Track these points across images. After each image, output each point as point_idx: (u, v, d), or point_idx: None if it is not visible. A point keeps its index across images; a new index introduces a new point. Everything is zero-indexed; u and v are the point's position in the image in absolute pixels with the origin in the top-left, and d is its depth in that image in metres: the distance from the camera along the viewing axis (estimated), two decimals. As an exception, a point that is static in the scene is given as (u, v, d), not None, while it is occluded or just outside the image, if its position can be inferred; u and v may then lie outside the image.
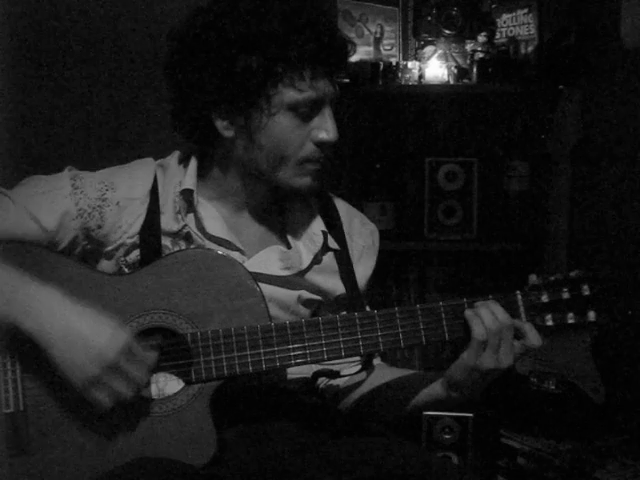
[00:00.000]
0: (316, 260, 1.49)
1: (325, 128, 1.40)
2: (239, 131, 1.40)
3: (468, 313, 1.32)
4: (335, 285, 1.51)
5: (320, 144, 1.40)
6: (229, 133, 1.41)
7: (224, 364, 1.31)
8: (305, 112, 1.38)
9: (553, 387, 2.27)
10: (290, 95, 1.36)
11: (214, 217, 1.46)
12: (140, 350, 1.27)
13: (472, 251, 2.73)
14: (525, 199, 2.66)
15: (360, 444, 1.38)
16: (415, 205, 2.76)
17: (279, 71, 1.34)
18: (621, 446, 2.23)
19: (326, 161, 1.43)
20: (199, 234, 1.44)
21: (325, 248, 1.51)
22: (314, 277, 1.49)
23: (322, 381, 1.55)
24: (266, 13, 1.35)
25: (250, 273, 1.35)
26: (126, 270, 1.42)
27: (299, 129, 1.39)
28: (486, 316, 1.29)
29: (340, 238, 1.52)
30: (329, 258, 1.51)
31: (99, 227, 1.42)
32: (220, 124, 1.40)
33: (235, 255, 1.43)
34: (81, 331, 1.24)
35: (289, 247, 1.49)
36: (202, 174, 1.48)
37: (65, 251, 1.42)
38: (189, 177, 1.45)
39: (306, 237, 1.50)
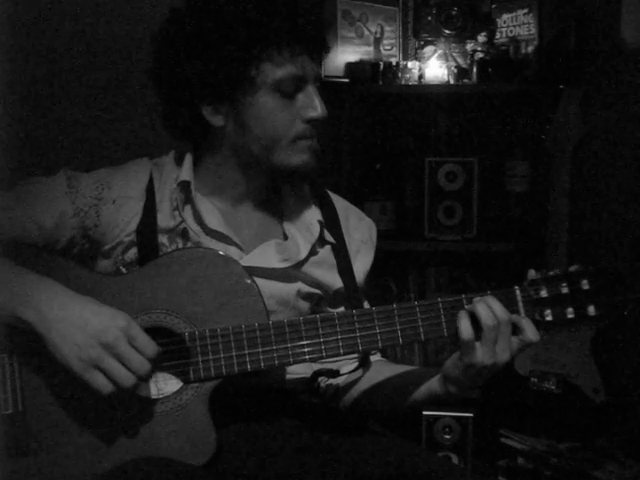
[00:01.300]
0: (313, 251, 1.50)
1: (312, 105, 1.41)
2: (228, 118, 1.42)
3: (460, 315, 1.31)
4: (333, 279, 1.51)
5: (309, 122, 1.41)
6: (219, 122, 1.42)
7: (222, 363, 1.31)
8: (289, 90, 1.40)
9: (553, 387, 2.26)
10: (271, 73, 1.38)
11: (211, 211, 1.47)
12: (141, 335, 1.26)
13: (472, 251, 2.73)
14: (525, 199, 2.66)
15: (360, 444, 1.38)
16: (415, 205, 2.76)
17: (258, 52, 1.36)
18: (621, 446, 2.23)
19: (319, 138, 1.44)
20: (196, 229, 1.44)
21: (322, 240, 1.51)
22: (312, 269, 1.50)
23: (321, 380, 1.55)
24: (239, 1, 1.38)
25: (248, 272, 1.35)
26: (123, 269, 1.42)
27: (286, 108, 1.40)
28: (483, 311, 1.29)
29: (337, 232, 1.53)
30: (326, 251, 1.52)
31: (96, 226, 1.43)
32: (209, 114, 1.42)
33: (232, 250, 1.44)
34: (80, 314, 1.24)
35: (286, 238, 1.50)
36: (198, 169, 1.49)
37: (63, 251, 1.42)
38: (185, 170, 1.47)
39: (303, 227, 1.50)
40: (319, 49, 1.45)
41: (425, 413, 2.36)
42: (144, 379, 1.27)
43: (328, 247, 1.52)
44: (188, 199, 1.46)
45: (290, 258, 1.47)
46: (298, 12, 1.40)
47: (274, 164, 1.43)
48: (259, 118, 1.40)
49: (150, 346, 1.26)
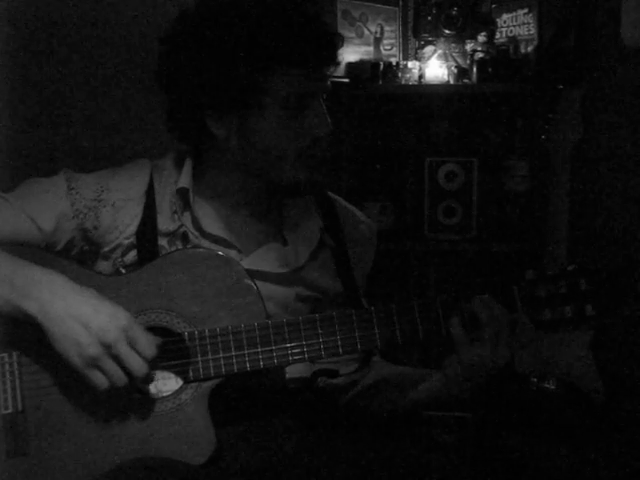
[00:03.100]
0: (313, 257, 1.49)
1: (318, 122, 1.40)
2: (232, 130, 1.40)
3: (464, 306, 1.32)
4: (332, 282, 1.51)
5: (314, 138, 1.40)
6: (222, 133, 1.41)
7: (222, 362, 1.31)
8: (297, 107, 1.38)
9: (553, 387, 2.26)
10: (280, 88, 1.36)
11: (211, 215, 1.47)
12: (141, 336, 1.26)
13: (472, 251, 2.73)
14: (525, 199, 2.66)
15: (359, 444, 1.38)
16: (415, 205, 2.76)
17: (268, 65, 1.35)
18: (621, 446, 2.23)
19: (324, 153, 1.43)
20: (196, 233, 1.44)
21: (321, 245, 1.51)
22: (311, 274, 1.49)
23: (321, 380, 1.55)
24: (251, 12, 1.36)
25: (247, 271, 1.35)
26: (123, 271, 1.42)
27: (292, 124, 1.39)
28: (482, 311, 1.29)
29: (337, 235, 1.52)
30: (326, 255, 1.52)
31: (95, 228, 1.43)
32: (213, 124, 1.40)
33: (232, 253, 1.44)
34: (82, 310, 1.24)
35: (286, 244, 1.49)
36: (198, 173, 1.48)
37: (62, 252, 1.42)
38: (184, 176, 1.46)
39: (303, 234, 1.50)
40: (330, 64, 1.42)
41: (425, 413, 2.36)
42: (141, 380, 1.27)
43: (328, 250, 1.52)
44: (187, 205, 1.45)
45: (289, 264, 1.47)
46: (311, 29, 1.37)
47: (276, 179, 1.42)
48: (264, 133, 1.38)
49: (149, 348, 1.26)
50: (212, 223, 1.46)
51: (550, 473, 2.21)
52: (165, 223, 1.44)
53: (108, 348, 1.23)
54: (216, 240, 1.45)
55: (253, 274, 1.38)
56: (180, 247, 1.43)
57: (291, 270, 1.47)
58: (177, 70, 1.40)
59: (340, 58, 1.45)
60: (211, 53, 1.36)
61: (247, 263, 1.43)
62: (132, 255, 1.43)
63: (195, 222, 1.45)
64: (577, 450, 2.21)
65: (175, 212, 1.45)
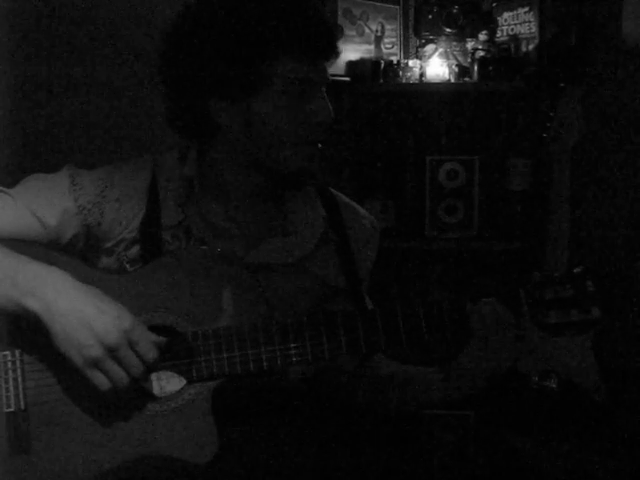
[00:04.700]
0: (317, 248, 1.50)
1: (321, 109, 1.41)
2: (235, 116, 1.41)
3: (469, 308, 1.31)
4: (336, 276, 1.51)
5: (316, 125, 1.41)
6: (226, 120, 1.42)
7: (225, 362, 1.31)
8: (299, 93, 1.39)
9: (554, 386, 2.27)
10: (284, 74, 1.38)
11: (215, 208, 1.47)
12: (143, 339, 1.26)
13: (473, 249, 2.73)
14: (526, 197, 2.66)
15: (361, 443, 1.38)
16: (416, 203, 2.76)
17: (272, 51, 1.37)
18: (621, 446, 2.23)
19: (323, 141, 1.44)
20: (200, 225, 1.45)
21: (325, 237, 1.51)
22: (315, 267, 1.50)
23: (323, 378, 1.55)
24: (255, 0, 1.38)
25: (251, 268, 1.36)
26: (127, 265, 1.42)
27: (294, 110, 1.40)
28: (488, 314, 1.29)
29: (340, 230, 1.53)
30: (329, 249, 1.52)
31: (99, 224, 1.43)
32: (216, 112, 1.41)
33: (236, 246, 1.44)
34: (86, 310, 1.24)
35: (289, 235, 1.50)
36: (201, 166, 1.49)
37: (66, 248, 1.42)
38: (189, 167, 1.47)
39: (306, 225, 1.50)
40: (332, 53, 1.44)
41: (425, 412, 2.36)
42: (141, 381, 1.27)
43: (331, 245, 1.52)
44: (191, 196, 1.46)
45: (293, 255, 1.47)
46: (314, 14, 1.40)
47: (276, 166, 1.43)
48: (267, 118, 1.39)
49: (150, 351, 1.26)
50: (216, 215, 1.46)
51: (550, 472, 2.21)
52: (169, 217, 1.44)
53: (110, 350, 1.23)
54: (220, 232, 1.45)
55: (257, 267, 1.39)
56: (184, 240, 1.44)
57: (296, 260, 1.47)
58: (181, 59, 1.41)
59: (339, 49, 1.46)
60: (215, 41, 1.37)
61: (251, 256, 1.43)
62: (135, 249, 1.43)
63: (200, 213, 1.45)
64: (577, 449, 2.21)
65: (179, 205, 1.45)
